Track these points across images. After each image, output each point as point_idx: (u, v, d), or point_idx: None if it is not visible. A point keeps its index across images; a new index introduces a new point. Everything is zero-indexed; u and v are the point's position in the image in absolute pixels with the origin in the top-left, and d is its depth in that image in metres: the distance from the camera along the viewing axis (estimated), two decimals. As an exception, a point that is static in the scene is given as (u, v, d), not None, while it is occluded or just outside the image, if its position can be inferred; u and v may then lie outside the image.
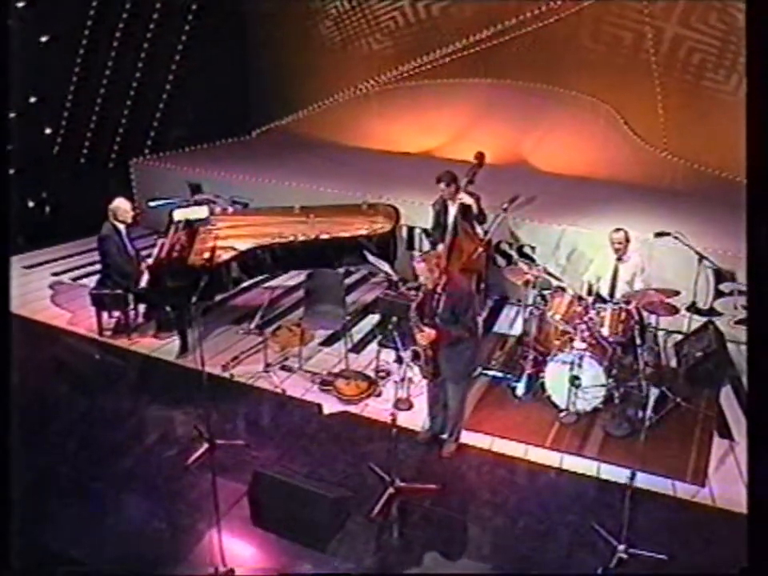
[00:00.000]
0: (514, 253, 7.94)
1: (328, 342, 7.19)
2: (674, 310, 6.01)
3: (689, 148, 9.41)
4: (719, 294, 7.07)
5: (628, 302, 6.00)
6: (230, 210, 7.95)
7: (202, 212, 7.50)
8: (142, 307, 7.38)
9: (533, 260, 7.52)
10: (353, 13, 11.43)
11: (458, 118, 10.77)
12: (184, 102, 10.76)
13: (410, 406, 6.07)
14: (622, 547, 4.52)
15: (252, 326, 6.48)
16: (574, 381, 5.85)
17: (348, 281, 8.10)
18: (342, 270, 7.40)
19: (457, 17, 10.70)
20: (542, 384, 6.12)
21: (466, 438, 5.70)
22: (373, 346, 7.08)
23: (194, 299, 5.60)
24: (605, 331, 5.94)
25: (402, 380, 5.10)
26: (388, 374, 6.58)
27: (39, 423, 5.79)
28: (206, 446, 5.51)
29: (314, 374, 6.60)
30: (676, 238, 5.98)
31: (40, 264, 9.01)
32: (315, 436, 5.84)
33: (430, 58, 10.95)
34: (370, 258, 6.78)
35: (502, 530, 4.88)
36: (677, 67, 9.54)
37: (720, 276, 6.91)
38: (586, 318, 5.94)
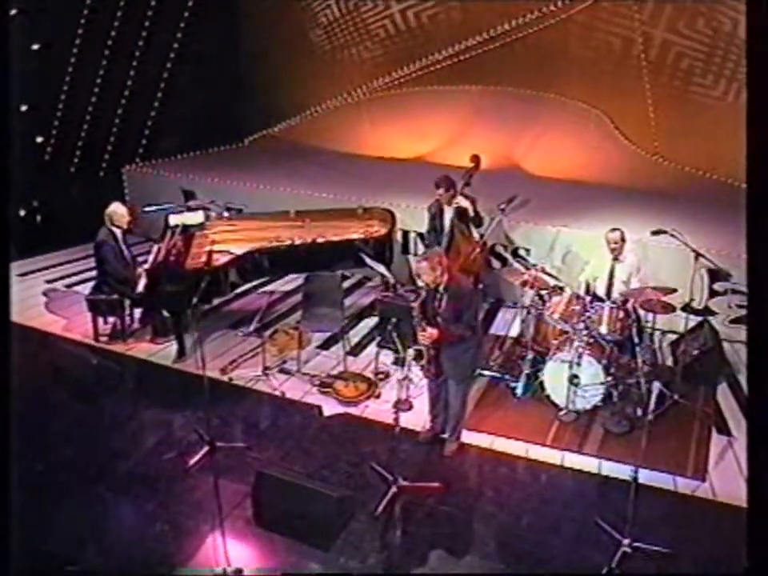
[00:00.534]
0: (508, 255, 7.99)
1: (325, 345, 7.20)
2: (671, 308, 6.06)
3: (679, 151, 9.53)
4: (713, 293, 7.14)
5: (625, 301, 6.06)
6: (226, 215, 7.95)
7: (197, 217, 7.52)
8: (137, 313, 7.38)
9: (526, 266, 7.54)
10: (343, 21, 11.50)
11: (450, 123, 10.84)
12: (175, 111, 10.74)
13: (410, 407, 6.08)
14: (626, 541, 4.54)
15: (251, 328, 6.46)
16: (573, 379, 5.89)
17: (343, 285, 8.09)
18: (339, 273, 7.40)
19: (446, 24, 10.80)
20: (541, 383, 6.15)
21: (467, 437, 5.72)
22: (370, 349, 7.11)
23: (195, 300, 5.58)
24: (603, 329, 5.97)
25: (404, 379, 5.09)
26: (387, 375, 6.59)
27: (39, 427, 5.76)
28: (206, 448, 5.50)
29: (313, 376, 6.60)
30: (672, 235, 6.04)
31: (33, 272, 8.96)
32: (316, 437, 5.83)
33: (421, 65, 11.04)
34: (367, 260, 6.82)
35: (506, 527, 4.89)
36: (665, 72, 9.68)
37: (714, 275, 6.98)
38: (584, 317, 5.98)
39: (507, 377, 6.48)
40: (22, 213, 9.70)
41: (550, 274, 6.55)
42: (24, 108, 9.22)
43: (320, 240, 7.24)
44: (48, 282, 8.71)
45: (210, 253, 6.87)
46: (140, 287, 6.68)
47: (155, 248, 7.13)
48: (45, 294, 8.36)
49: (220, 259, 6.85)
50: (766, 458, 3.44)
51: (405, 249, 8.55)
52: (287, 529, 4.74)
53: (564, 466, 5.47)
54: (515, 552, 4.69)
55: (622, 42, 9.79)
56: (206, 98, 11.07)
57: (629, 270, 6.36)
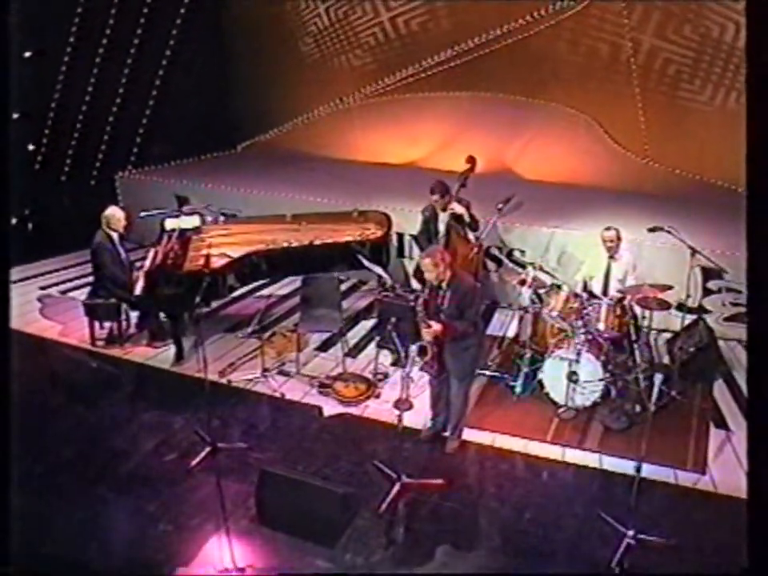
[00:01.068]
0: (503, 257, 8.05)
1: (324, 347, 7.21)
2: (667, 305, 6.13)
3: (669, 154, 9.65)
4: (707, 291, 7.23)
5: (622, 298, 6.12)
6: (222, 219, 7.95)
7: (193, 221, 7.52)
8: (133, 318, 7.35)
9: (522, 265, 7.60)
10: (332, 29, 11.56)
11: (440, 129, 10.92)
12: (167, 118, 10.76)
13: (411, 406, 6.08)
14: (630, 533, 4.57)
15: (249, 330, 6.47)
16: (572, 376, 5.93)
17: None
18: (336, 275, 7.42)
19: (436, 32, 10.88)
20: (540, 381, 6.19)
21: (467, 435, 5.74)
22: (368, 351, 7.13)
23: (197, 300, 5.58)
24: (601, 326, 6.03)
25: (408, 375, 5.11)
26: (386, 376, 6.61)
27: (39, 429, 5.73)
28: (207, 449, 5.48)
29: (312, 377, 6.60)
30: (668, 232, 6.12)
31: (25, 279, 8.90)
32: (317, 437, 5.84)
33: (411, 72, 11.11)
34: (365, 262, 6.84)
35: (510, 522, 4.91)
36: (653, 78, 9.80)
37: (707, 273, 7.07)
38: (582, 315, 6.03)
39: (506, 376, 6.51)
40: (14, 221, 9.66)
41: (548, 272, 6.59)
42: (15, 116, 9.19)
43: (317, 242, 7.26)
44: (41, 288, 8.66)
45: (208, 256, 6.87)
46: (138, 290, 6.66)
47: (151, 252, 7.12)
48: (39, 300, 8.32)
49: (217, 262, 6.84)
50: (765, 452, 3.51)
51: (400, 252, 8.59)
52: (292, 527, 4.74)
53: (565, 461, 5.50)
54: (520, 546, 4.71)
55: (610, 48, 9.91)
56: (198, 106, 11.09)
57: (624, 269, 6.42)
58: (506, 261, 8.07)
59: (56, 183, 10.34)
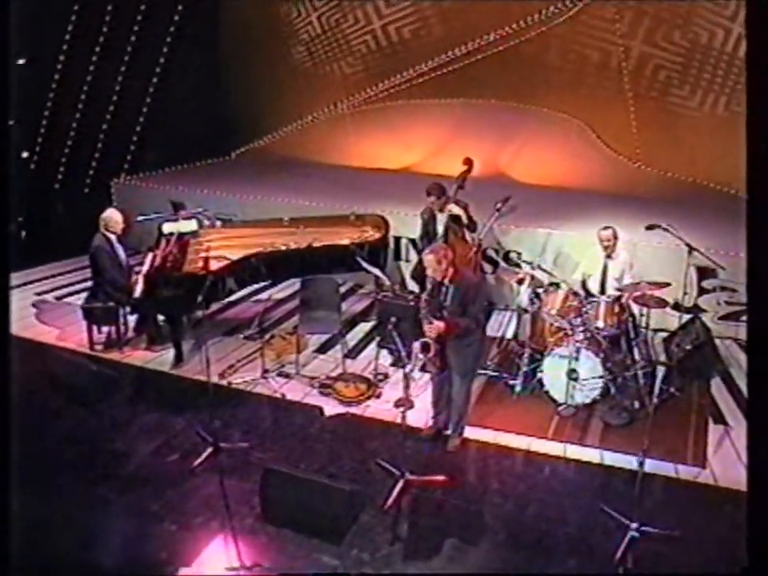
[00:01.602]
0: (500, 259, 8.11)
1: (323, 348, 7.23)
2: (664, 303, 6.19)
3: (660, 158, 9.78)
4: (702, 291, 7.31)
5: (620, 296, 6.17)
6: (219, 224, 7.96)
7: (190, 225, 7.52)
8: (131, 322, 7.34)
9: (519, 266, 7.66)
10: (324, 37, 11.65)
11: (434, 135, 11.02)
12: (161, 126, 10.78)
13: (412, 405, 6.11)
14: (634, 525, 4.60)
15: (251, 330, 6.48)
16: (572, 374, 5.98)
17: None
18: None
19: (428, 39, 11.00)
20: (540, 380, 6.23)
21: (468, 433, 5.76)
22: (367, 353, 7.16)
23: (200, 298, 5.59)
24: (600, 324, 6.08)
25: (411, 371, 5.14)
26: (386, 376, 6.64)
27: (40, 431, 5.73)
28: (209, 449, 5.48)
29: (313, 378, 6.62)
30: (666, 230, 6.20)
31: (20, 285, 8.85)
32: (318, 437, 5.84)
33: (403, 79, 11.20)
34: (363, 263, 6.88)
35: (514, 516, 4.93)
36: (644, 84, 9.95)
37: (702, 273, 7.16)
38: (580, 312, 6.08)
39: (505, 375, 6.55)
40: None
41: (546, 271, 6.64)
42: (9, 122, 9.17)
43: (316, 244, 7.29)
44: (37, 294, 8.63)
45: (207, 258, 6.88)
46: (137, 292, 6.64)
47: (149, 255, 7.09)
48: (34, 305, 8.28)
49: (216, 264, 6.85)
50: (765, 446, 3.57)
51: (396, 255, 8.63)
52: (297, 524, 4.73)
53: (567, 457, 5.54)
54: (525, 540, 4.73)
55: (601, 54, 10.07)
56: (191, 113, 11.12)
57: (621, 267, 6.49)
58: (502, 263, 8.13)
59: (50, 190, 10.34)
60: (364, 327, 7.72)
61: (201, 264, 6.78)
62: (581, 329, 6.07)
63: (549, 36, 10.18)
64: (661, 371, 4.66)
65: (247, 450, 5.58)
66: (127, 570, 4.55)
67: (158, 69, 10.65)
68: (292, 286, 8.06)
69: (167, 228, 7.32)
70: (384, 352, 6.78)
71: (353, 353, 7.17)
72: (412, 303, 6.02)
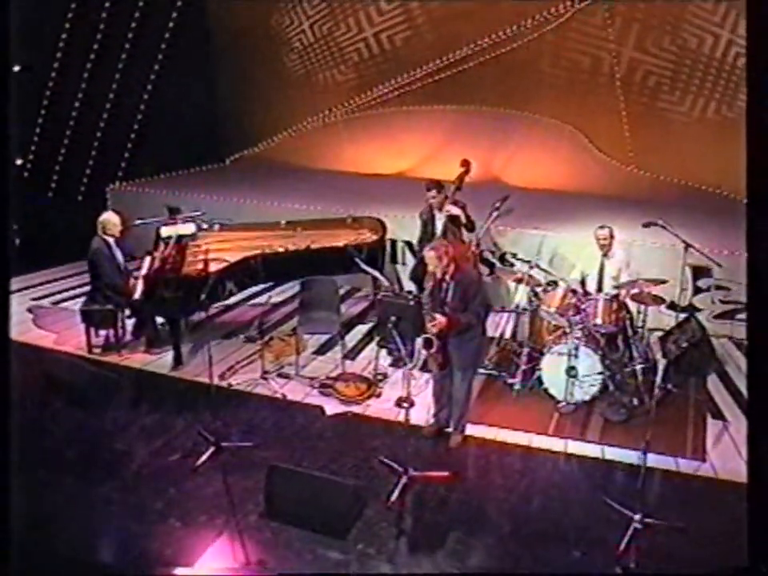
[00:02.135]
0: (496, 261, 8.17)
1: (322, 350, 7.25)
2: (661, 300, 6.26)
3: (653, 161, 9.89)
4: (697, 290, 7.39)
5: (618, 294, 6.24)
6: (217, 227, 7.97)
7: (188, 228, 7.51)
8: (129, 325, 7.34)
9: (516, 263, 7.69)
10: (317, 45, 11.72)
11: (427, 142, 11.08)
12: (155, 133, 10.80)
13: (412, 404, 6.13)
14: (637, 517, 4.64)
15: (251, 331, 6.50)
16: (571, 371, 6.02)
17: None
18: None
19: (420, 46, 11.08)
20: (539, 378, 6.27)
21: (469, 430, 5.79)
22: (366, 353, 7.19)
23: (203, 297, 5.61)
24: (598, 321, 6.13)
25: (411, 369, 5.17)
26: (386, 376, 6.66)
27: (41, 431, 5.72)
28: (211, 449, 5.48)
29: (313, 378, 6.63)
30: (663, 227, 6.27)
31: (16, 291, 8.81)
32: (320, 436, 5.85)
33: (395, 86, 11.27)
34: (362, 264, 6.91)
35: (517, 510, 4.96)
36: (635, 90, 10.07)
37: (697, 272, 7.24)
38: (579, 310, 6.13)
39: (504, 374, 6.59)
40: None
41: (545, 269, 6.70)
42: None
43: (314, 246, 7.32)
44: (33, 300, 8.60)
45: (206, 260, 6.88)
46: (137, 294, 6.64)
47: (148, 259, 7.08)
48: (30, 310, 8.25)
49: (215, 266, 6.86)
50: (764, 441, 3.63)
51: (393, 258, 8.67)
52: (302, 520, 4.74)
53: (568, 453, 5.58)
54: (529, 533, 4.75)
55: (592, 60, 10.18)
56: (185, 120, 11.09)
57: (618, 266, 6.55)
58: (498, 264, 8.18)
59: (44, 198, 10.32)
60: (362, 329, 7.75)
61: (200, 266, 6.79)
62: (579, 326, 6.12)
63: (540, 42, 10.29)
64: (662, 365, 4.68)
65: (250, 450, 5.58)
66: (132, 567, 4.55)
67: (153, 76, 10.67)
68: (291, 288, 8.08)
69: (165, 231, 7.31)
70: (383, 352, 6.80)
71: (352, 354, 7.19)
72: (412, 302, 6.03)
